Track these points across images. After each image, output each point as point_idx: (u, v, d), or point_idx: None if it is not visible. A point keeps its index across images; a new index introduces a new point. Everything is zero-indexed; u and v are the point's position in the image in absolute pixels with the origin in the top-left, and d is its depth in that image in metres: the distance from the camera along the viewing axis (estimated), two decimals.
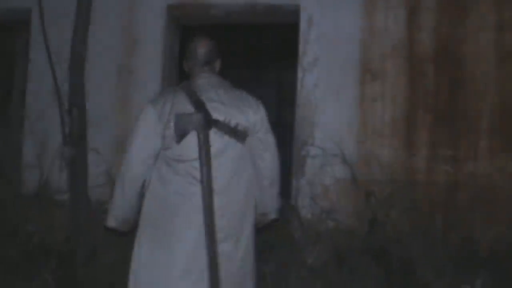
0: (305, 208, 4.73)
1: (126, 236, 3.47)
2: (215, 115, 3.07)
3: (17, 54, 5.65)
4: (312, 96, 4.85)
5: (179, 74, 5.08)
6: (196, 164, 3.05)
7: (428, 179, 4.69)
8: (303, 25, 4.91)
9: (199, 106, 3.06)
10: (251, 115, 3.14)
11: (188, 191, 3.08)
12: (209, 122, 3.05)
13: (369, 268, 4.39)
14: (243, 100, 3.17)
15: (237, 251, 3.15)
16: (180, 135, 3.06)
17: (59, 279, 4.55)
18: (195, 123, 3.03)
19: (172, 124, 3.06)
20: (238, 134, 3.10)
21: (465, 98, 4.71)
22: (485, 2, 4.72)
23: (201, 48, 3.22)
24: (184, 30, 5.35)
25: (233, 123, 3.09)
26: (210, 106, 3.08)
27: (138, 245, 3.17)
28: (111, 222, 3.26)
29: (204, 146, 3.03)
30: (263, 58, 8.09)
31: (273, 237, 4.49)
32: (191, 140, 3.07)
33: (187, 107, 3.09)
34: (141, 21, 5.11)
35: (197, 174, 3.05)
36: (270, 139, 3.24)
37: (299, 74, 4.89)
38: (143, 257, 3.14)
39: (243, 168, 3.16)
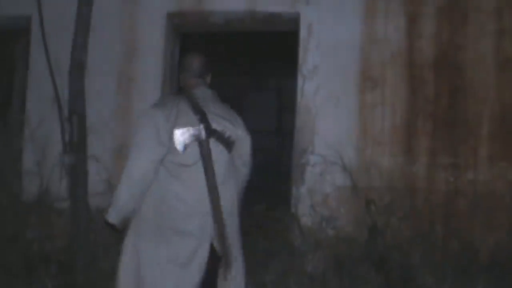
0: (305, 215, 4.73)
1: (119, 234, 3.48)
2: (214, 126, 3.28)
3: (17, 61, 5.64)
4: (312, 103, 4.85)
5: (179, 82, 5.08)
6: (195, 169, 3.22)
7: (428, 186, 4.69)
8: (303, 33, 4.92)
9: (202, 116, 3.26)
10: (238, 130, 3.42)
11: (186, 195, 3.23)
12: (209, 132, 3.25)
13: (369, 275, 4.39)
14: (232, 115, 3.44)
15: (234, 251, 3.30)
16: (184, 143, 3.20)
17: (59, 286, 4.55)
18: (199, 132, 3.23)
19: (176, 130, 3.20)
20: (229, 144, 3.35)
21: (465, 105, 4.72)
22: (484, 9, 4.74)
23: (196, 62, 3.48)
24: (184, 37, 5.36)
25: (227, 134, 3.33)
26: (210, 117, 3.28)
27: (134, 245, 3.26)
28: (115, 219, 3.28)
29: (207, 153, 3.23)
30: (263, 65, 8.09)
31: (273, 245, 4.49)
32: (192, 147, 3.22)
33: (190, 115, 3.25)
34: (141, 28, 5.12)
35: (196, 179, 3.22)
36: (249, 154, 3.51)
37: (299, 82, 4.90)
38: (144, 254, 3.23)
39: (231, 173, 3.37)
